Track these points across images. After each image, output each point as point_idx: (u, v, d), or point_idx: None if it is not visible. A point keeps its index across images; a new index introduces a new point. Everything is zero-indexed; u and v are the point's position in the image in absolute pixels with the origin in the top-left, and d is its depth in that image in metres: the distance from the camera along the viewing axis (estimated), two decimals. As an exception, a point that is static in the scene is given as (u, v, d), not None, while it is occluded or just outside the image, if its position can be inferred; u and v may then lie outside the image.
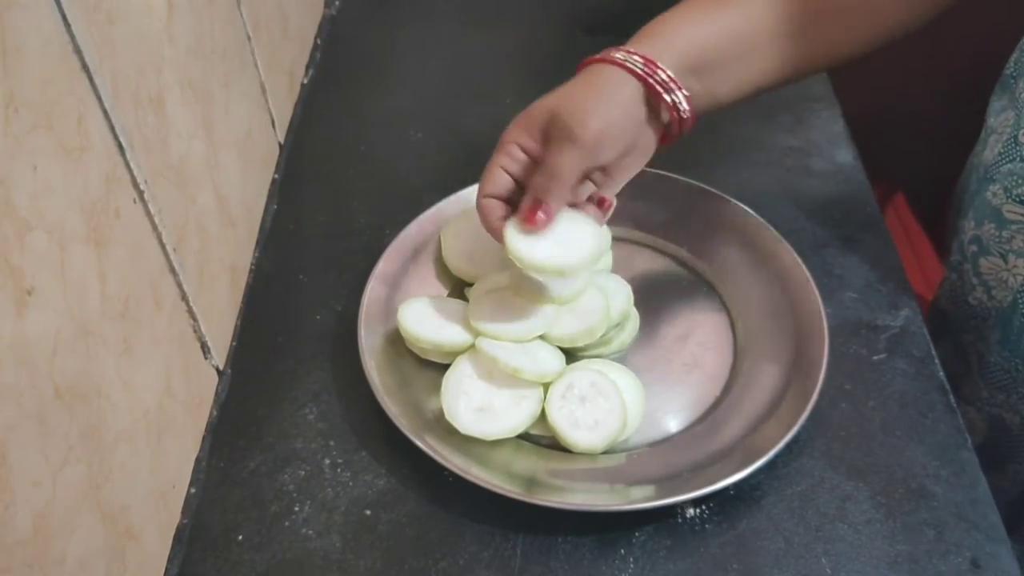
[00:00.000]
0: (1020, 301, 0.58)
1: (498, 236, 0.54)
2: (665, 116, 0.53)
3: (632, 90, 0.52)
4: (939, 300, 0.68)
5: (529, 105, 0.54)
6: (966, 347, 0.64)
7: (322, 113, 0.81)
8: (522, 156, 0.53)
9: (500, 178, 0.54)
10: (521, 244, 0.52)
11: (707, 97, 0.54)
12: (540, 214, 0.52)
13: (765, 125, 0.59)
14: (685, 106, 0.52)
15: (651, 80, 0.51)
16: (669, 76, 0.51)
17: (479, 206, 0.54)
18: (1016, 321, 0.58)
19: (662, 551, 0.48)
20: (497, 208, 0.54)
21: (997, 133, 0.60)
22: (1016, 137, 0.57)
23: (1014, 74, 0.61)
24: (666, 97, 0.52)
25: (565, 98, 0.52)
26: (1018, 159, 0.57)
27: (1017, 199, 0.57)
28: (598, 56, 0.53)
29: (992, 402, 0.62)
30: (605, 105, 0.52)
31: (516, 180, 0.54)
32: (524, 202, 0.53)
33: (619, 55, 0.52)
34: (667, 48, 0.52)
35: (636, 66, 0.51)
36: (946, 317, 0.66)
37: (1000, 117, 0.61)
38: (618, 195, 0.66)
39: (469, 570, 0.48)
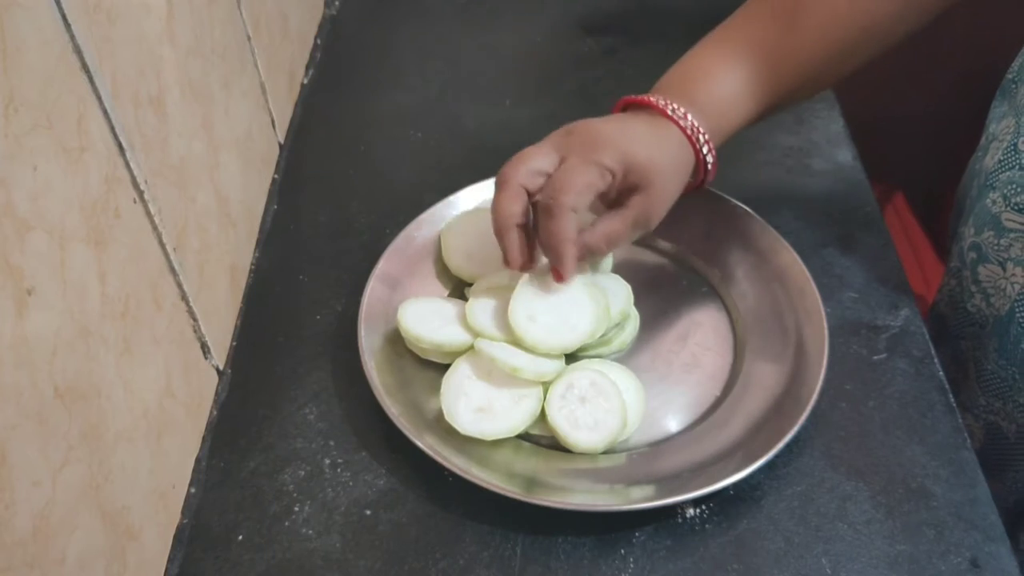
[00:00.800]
0: (1018, 309, 0.57)
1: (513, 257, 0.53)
2: (696, 178, 0.57)
3: (690, 160, 0.55)
4: (938, 305, 0.68)
5: (592, 135, 0.53)
6: (964, 353, 0.64)
7: (322, 113, 0.81)
8: (602, 189, 0.53)
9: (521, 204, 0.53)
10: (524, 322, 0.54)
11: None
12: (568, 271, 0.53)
13: (765, 125, 0.59)
14: (712, 170, 0.56)
15: (700, 151, 0.55)
16: (709, 143, 0.55)
17: (503, 226, 0.53)
18: (1013, 329, 0.58)
19: (662, 551, 0.48)
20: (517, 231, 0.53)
21: (998, 140, 0.60)
22: (1016, 145, 0.57)
23: (1015, 80, 0.61)
24: (707, 161, 0.55)
25: (662, 175, 0.53)
26: (1017, 167, 0.57)
27: (1016, 207, 0.57)
28: (661, 106, 0.54)
29: (989, 409, 0.62)
30: (676, 196, 0.55)
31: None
32: (571, 251, 0.52)
33: (683, 120, 0.54)
34: (705, 111, 0.54)
35: (694, 134, 0.54)
36: (945, 322, 0.66)
37: (1001, 124, 0.61)
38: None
39: (469, 570, 0.48)
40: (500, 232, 0.53)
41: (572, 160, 0.52)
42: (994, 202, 0.58)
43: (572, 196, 0.50)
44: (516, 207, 0.52)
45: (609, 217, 0.53)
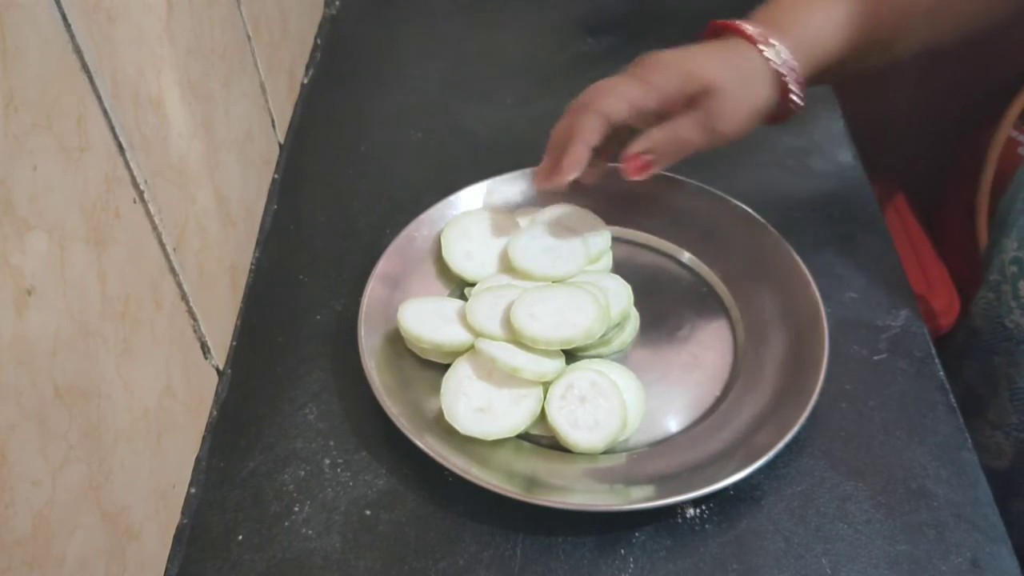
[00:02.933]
0: None
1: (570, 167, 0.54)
2: (778, 108, 0.55)
3: (772, 93, 0.54)
4: (972, 318, 0.66)
5: (664, 53, 0.54)
6: (996, 369, 0.63)
7: (322, 113, 0.81)
8: (646, 102, 0.53)
9: (611, 119, 0.53)
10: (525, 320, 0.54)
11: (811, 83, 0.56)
12: (643, 170, 0.53)
13: (766, 125, 0.59)
14: (801, 103, 0.55)
15: (788, 86, 0.54)
16: (800, 80, 0.54)
17: (579, 133, 0.53)
18: None
19: (662, 551, 0.48)
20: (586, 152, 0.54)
21: None
22: None
23: None
24: (794, 99, 0.54)
25: (727, 82, 0.52)
26: None
27: None
28: (748, 31, 0.54)
29: (1021, 427, 0.61)
30: (753, 109, 0.53)
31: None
32: (635, 145, 0.53)
33: (768, 51, 0.53)
34: (802, 46, 0.54)
35: (780, 69, 0.53)
36: (978, 336, 0.65)
37: None
38: (618, 197, 0.67)
39: (469, 570, 0.48)
40: (555, 141, 0.56)
41: (621, 76, 0.53)
42: None
43: (603, 99, 0.53)
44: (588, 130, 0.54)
45: (678, 119, 0.53)
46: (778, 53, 0.53)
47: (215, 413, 0.56)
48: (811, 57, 0.54)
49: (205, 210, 0.56)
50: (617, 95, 0.53)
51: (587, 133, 0.53)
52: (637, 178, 0.53)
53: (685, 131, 0.53)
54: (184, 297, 0.52)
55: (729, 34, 0.55)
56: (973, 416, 0.56)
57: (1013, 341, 0.61)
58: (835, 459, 0.52)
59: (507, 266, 0.60)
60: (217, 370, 0.58)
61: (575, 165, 0.53)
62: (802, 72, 0.54)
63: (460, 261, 0.61)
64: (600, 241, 0.62)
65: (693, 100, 0.52)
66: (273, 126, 0.74)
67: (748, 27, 0.54)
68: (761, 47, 0.53)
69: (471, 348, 0.55)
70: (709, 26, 0.57)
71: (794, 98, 0.54)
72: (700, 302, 0.62)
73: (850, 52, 0.55)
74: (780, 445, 0.49)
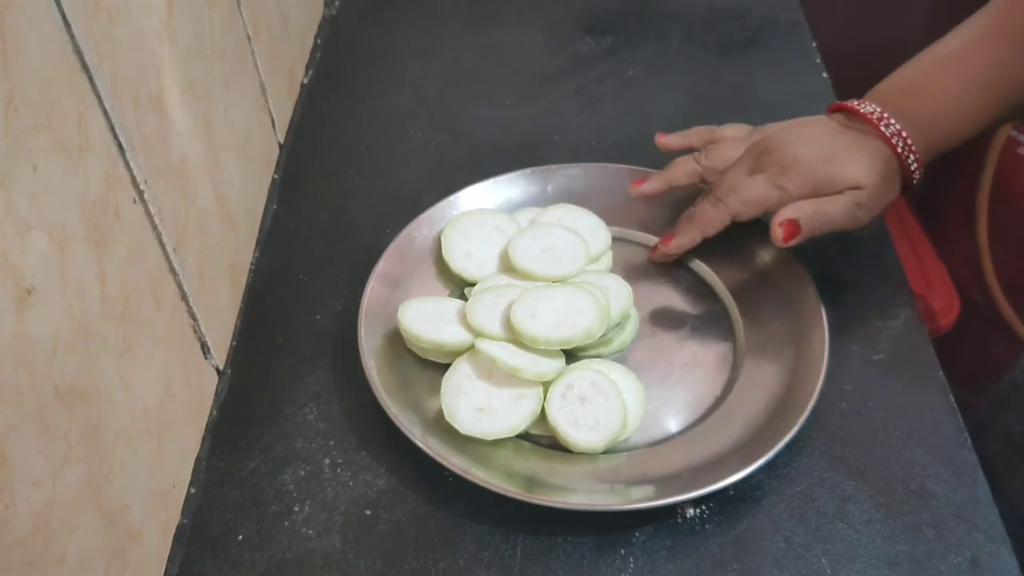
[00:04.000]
0: None
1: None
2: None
3: (896, 172, 0.55)
4: (1016, 372, 0.66)
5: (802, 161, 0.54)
6: None
7: (322, 113, 0.81)
8: (778, 207, 0.55)
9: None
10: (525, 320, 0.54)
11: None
12: (792, 236, 0.55)
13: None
14: (918, 180, 0.55)
15: (908, 167, 0.54)
16: (919, 160, 0.54)
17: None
18: None
19: (662, 551, 0.48)
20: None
21: None
22: None
23: None
24: (914, 177, 0.55)
25: (872, 181, 0.53)
26: None
27: None
28: (875, 119, 0.54)
29: None
30: (888, 197, 0.55)
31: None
32: (784, 212, 0.54)
33: (895, 137, 0.53)
34: (922, 128, 0.54)
35: (904, 151, 0.54)
36: (1020, 391, 0.65)
37: None
38: (618, 197, 0.67)
39: (469, 570, 0.48)
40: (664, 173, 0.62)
41: (760, 180, 0.55)
42: None
43: (739, 204, 0.56)
44: (685, 169, 0.61)
45: (826, 198, 0.54)
46: (907, 144, 0.54)
47: (215, 413, 0.56)
48: (938, 142, 0.54)
49: (205, 210, 0.56)
50: (752, 201, 0.56)
51: (710, 227, 0.58)
52: (786, 244, 0.55)
53: (832, 207, 0.54)
54: (184, 297, 0.52)
55: (852, 117, 0.55)
56: (1008, 472, 0.56)
57: None
58: (835, 459, 0.52)
59: (507, 266, 0.60)
60: (217, 370, 0.58)
61: (684, 248, 0.60)
62: (926, 157, 0.54)
63: (460, 261, 0.61)
64: (600, 241, 0.62)
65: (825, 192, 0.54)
66: (273, 126, 0.74)
67: (875, 112, 0.54)
68: (891, 139, 0.54)
69: (471, 348, 0.55)
70: (832, 107, 0.57)
71: (914, 182, 0.55)
72: (700, 302, 0.62)
73: (980, 130, 0.54)
74: (780, 445, 0.49)
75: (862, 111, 0.54)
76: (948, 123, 0.54)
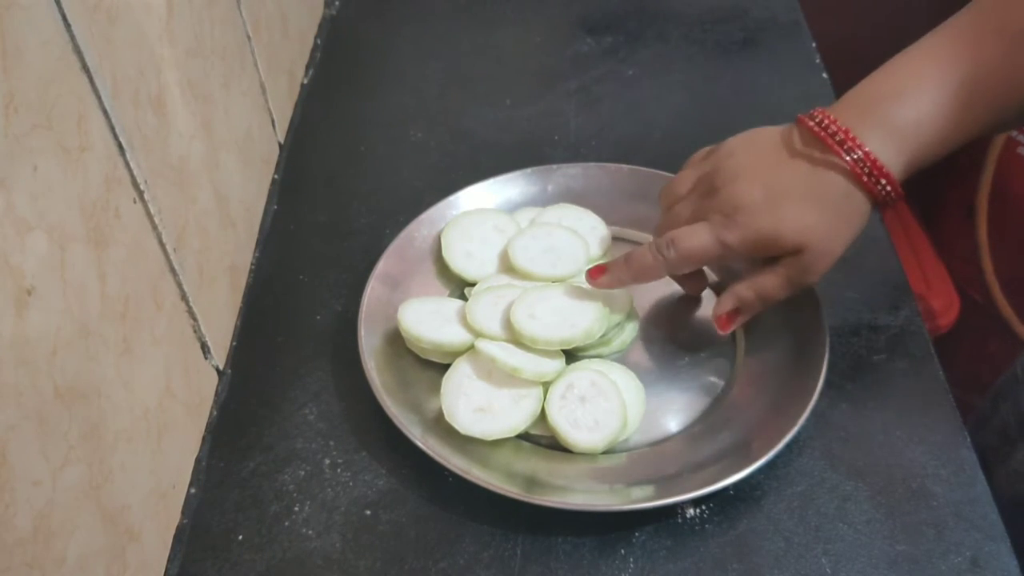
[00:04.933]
0: None
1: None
2: (881, 209, 0.51)
3: (859, 204, 0.49)
4: (1016, 367, 0.65)
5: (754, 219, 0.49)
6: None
7: (322, 113, 0.81)
8: (721, 261, 0.54)
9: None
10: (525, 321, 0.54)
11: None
12: (731, 324, 0.54)
13: (766, 126, 0.59)
14: (896, 195, 0.48)
15: (874, 187, 0.47)
16: (888, 175, 0.47)
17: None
18: None
19: (662, 551, 0.48)
20: None
21: None
22: None
23: None
24: (887, 193, 0.48)
25: (817, 237, 0.49)
26: None
27: None
28: (824, 134, 0.48)
29: None
30: (842, 251, 0.50)
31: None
32: (723, 305, 0.54)
33: (852, 153, 0.47)
34: (896, 134, 0.47)
35: (864, 170, 0.47)
36: (1019, 384, 0.64)
37: None
38: (617, 197, 0.67)
39: (469, 570, 0.48)
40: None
41: (702, 232, 0.51)
42: None
43: (677, 259, 0.52)
44: (644, 264, 0.55)
45: (764, 273, 0.52)
46: (870, 159, 0.47)
47: (215, 413, 0.56)
48: (919, 150, 0.47)
49: (205, 210, 0.56)
50: (692, 256, 0.52)
51: (643, 276, 0.55)
52: (727, 332, 0.54)
53: (771, 288, 0.51)
54: (184, 297, 0.52)
55: (810, 137, 0.49)
56: (998, 463, 0.55)
57: None
58: (835, 459, 0.52)
59: (507, 266, 0.60)
60: (217, 370, 0.58)
61: (610, 287, 0.56)
62: (905, 169, 0.48)
63: (460, 261, 0.61)
64: (600, 241, 0.62)
65: (778, 256, 0.51)
66: (273, 126, 0.74)
67: (830, 125, 0.48)
68: (846, 156, 0.47)
69: (471, 348, 0.55)
70: (799, 118, 0.50)
71: (892, 197, 0.48)
72: (700, 302, 0.62)
73: (968, 137, 0.47)
74: (780, 445, 0.49)
75: (823, 134, 0.48)
76: (934, 131, 0.47)
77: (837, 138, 0.47)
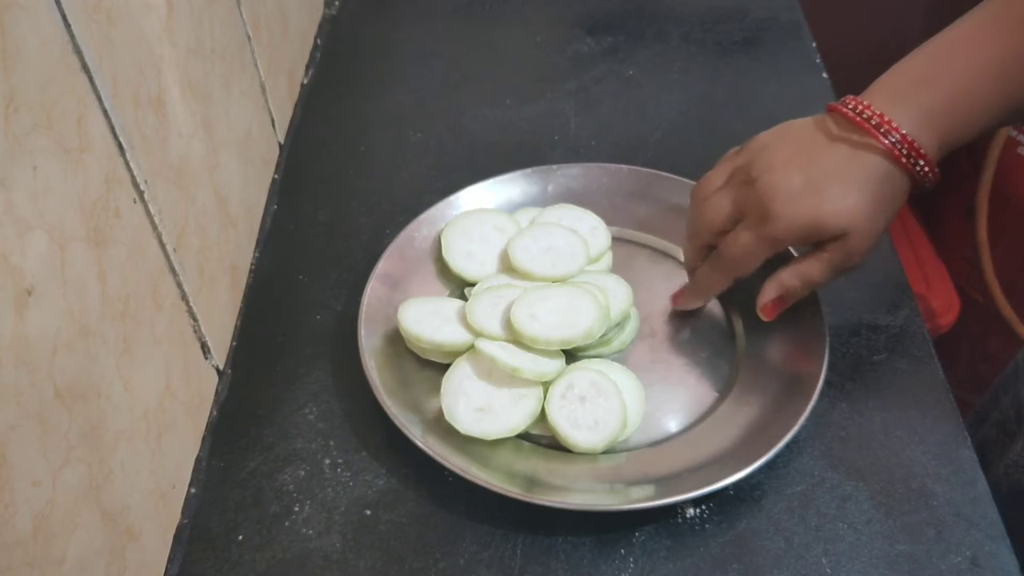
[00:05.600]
0: None
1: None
2: (915, 189, 0.51)
3: (898, 184, 0.49)
4: (1019, 359, 0.65)
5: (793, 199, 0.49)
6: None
7: (322, 113, 0.81)
8: (770, 254, 0.53)
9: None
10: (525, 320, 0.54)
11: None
12: (777, 311, 0.55)
13: (765, 126, 0.59)
14: (933, 175, 0.50)
15: (913, 168, 0.49)
16: (925, 157, 0.48)
17: (689, 269, 0.58)
18: None
19: (662, 551, 0.48)
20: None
21: None
22: None
23: None
24: (925, 174, 0.49)
25: (860, 219, 0.49)
26: None
27: None
28: (887, 141, 0.48)
29: None
30: (883, 231, 0.51)
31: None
32: (767, 294, 0.54)
33: (889, 136, 0.48)
34: (932, 117, 0.48)
35: (903, 152, 0.48)
36: (1019, 376, 0.64)
37: None
38: (618, 197, 0.67)
39: (469, 570, 0.48)
40: (688, 273, 0.59)
41: (743, 235, 0.51)
42: None
43: (738, 270, 0.53)
44: (697, 255, 0.57)
45: (808, 259, 0.52)
46: (908, 142, 0.48)
47: (215, 413, 0.56)
48: (953, 131, 0.49)
49: (205, 210, 0.56)
50: (746, 263, 0.52)
51: (712, 291, 0.57)
52: (772, 319, 0.55)
53: (815, 273, 0.52)
54: (184, 297, 0.52)
55: (843, 121, 0.50)
56: (997, 457, 0.55)
57: None
58: (835, 459, 0.52)
59: (507, 266, 0.60)
60: (217, 370, 0.58)
61: (691, 308, 0.60)
62: (940, 150, 0.49)
63: (460, 261, 0.61)
64: (600, 241, 0.62)
65: (820, 242, 0.51)
66: (273, 126, 0.74)
67: (864, 110, 0.48)
68: (884, 139, 0.48)
69: (471, 348, 0.55)
70: (830, 106, 0.51)
71: (929, 178, 0.49)
72: (700, 302, 0.62)
73: (1001, 120, 0.49)
74: (780, 445, 0.49)
75: (859, 119, 0.49)
76: (964, 114, 0.48)
77: (873, 122, 0.48)
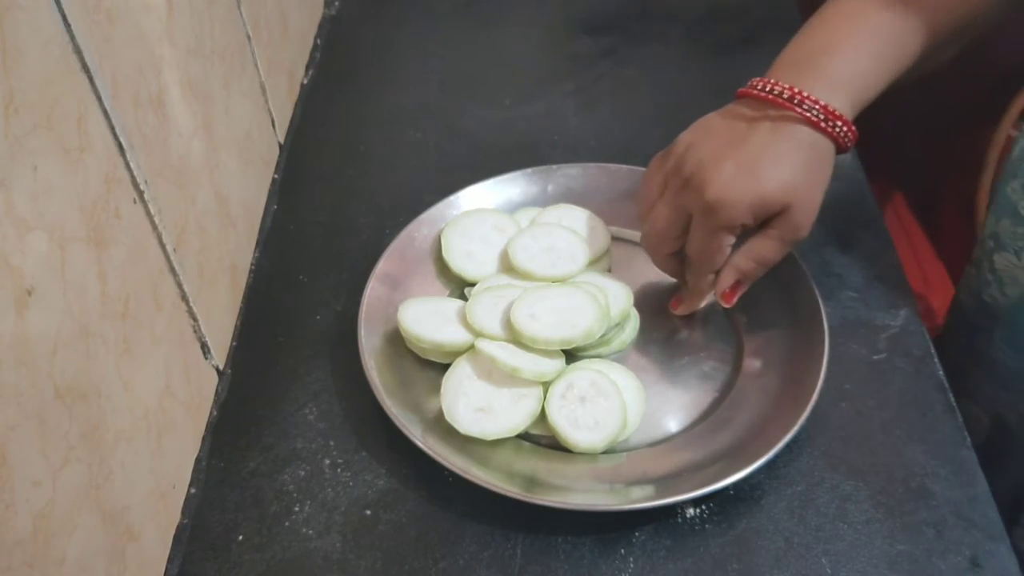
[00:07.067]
0: None
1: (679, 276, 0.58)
2: (840, 151, 0.53)
3: (826, 150, 0.51)
4: (959, 295, 0.67)
5: (735, 178, 0.50)
6: (976, 342, 0.64)
7: (322, 113, 0.81)
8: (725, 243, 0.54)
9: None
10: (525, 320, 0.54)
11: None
12: (735, 295, 0.55)
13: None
14: (854, 138, 0.52)
15: (835, 133, 0.51)
16: (843, 119, 0.50)
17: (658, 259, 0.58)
18: (1021, 318, 0.57)
19: (662, 551, 0.48)
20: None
21: None
22: None
23: None
24: (846, 136, 0.51)
25: (800, 191, 0.50)
26: None
27: None
28: (780, 99, 0.50)
29: (995, 399, 0.62)
30: (822, 186, 0.52)
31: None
32: (724, 280, 0.54)
33: (805, 107, 0.50)
34: (838, 83, 0.51)
35: (821, 118, 0.50)
36: (964, 312, 0.66)
37: None
38: (617, 197, 0.67)
39: (469, 570, 0.48)
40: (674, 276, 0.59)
41: (697, 234, 0.53)
42: (1014, 190, 0.58)
43: (712, 265, 0.54)
44: (671, 266, 0.58)
45: (758, 239, 0.53)
46: (824, 108, 0.50)
47: (215, 413, 0.56)
48: (864, 90, 0.52)
49: (205, 210, 0.56)
50: (721, 257, 0.53)
51: (702, 293, 0.57)
52: (731, 305, 0.56)
53: (767, 252, 0.53)
54: (184, 297, 0.52)
55: (760, 103, 0.52)
56: (958, 393, 0.57)
57: (990, 315, 0.62)
58: (835, 459, 0.52)
59: (507, 266, 0.60)
60: (217, 370, 0.58)
61: (692, 311, 0.60)
62: (854, 110, 0.52)
63: (460, 261, 0.61)
64: (600, 241, 0.62)
65: (766, 219, 0.52)
66: (273, 126, 0.74)
67: (779, 90, 0.50)
68: (804, 112, 0.50)
69: (471, 348, 0.55)
70: (739, 92, 0.54)
71: (850, 140, 0.52)
72: (700, 302, 0.62)
73: (909, 66, 0.52)
74: (780, 445, 0.49)
75: (772, 96, 0.50)
76: (870, 75, 0.51)
77: (785, 96, 0.50)
